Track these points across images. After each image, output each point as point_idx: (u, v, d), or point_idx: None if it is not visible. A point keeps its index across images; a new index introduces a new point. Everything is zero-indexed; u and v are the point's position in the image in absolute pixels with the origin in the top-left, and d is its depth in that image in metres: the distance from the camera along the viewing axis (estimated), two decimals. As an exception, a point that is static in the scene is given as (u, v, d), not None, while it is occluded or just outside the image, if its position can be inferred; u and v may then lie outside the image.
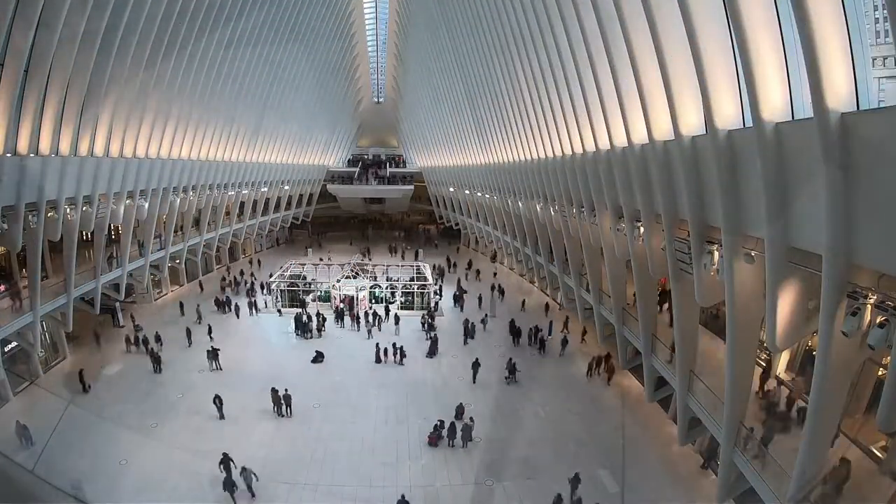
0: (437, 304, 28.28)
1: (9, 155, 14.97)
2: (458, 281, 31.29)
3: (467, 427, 15.45)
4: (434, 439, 15.47)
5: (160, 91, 20.91)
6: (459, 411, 16.54)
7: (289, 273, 30.83)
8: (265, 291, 29.66)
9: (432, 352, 21.81)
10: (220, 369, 20.06)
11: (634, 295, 16.51)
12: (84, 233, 21.11)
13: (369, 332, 24.16)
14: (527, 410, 17.43)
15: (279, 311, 27.42)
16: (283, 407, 16.90)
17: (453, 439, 15.52)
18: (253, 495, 13.11)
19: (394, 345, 21.47)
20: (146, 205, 23.64)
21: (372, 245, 45.69)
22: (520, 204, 27.28)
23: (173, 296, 29.86)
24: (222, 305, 27.10)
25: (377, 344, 21.63)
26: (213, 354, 20.11)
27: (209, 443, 15.27)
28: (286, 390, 16.99)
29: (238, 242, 39.42)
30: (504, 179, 28.64)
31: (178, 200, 26.69)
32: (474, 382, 19.07)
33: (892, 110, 6.01)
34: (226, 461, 13.31)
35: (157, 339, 21.86)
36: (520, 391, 18.95)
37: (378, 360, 21.21)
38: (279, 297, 28.19)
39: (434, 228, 51.88)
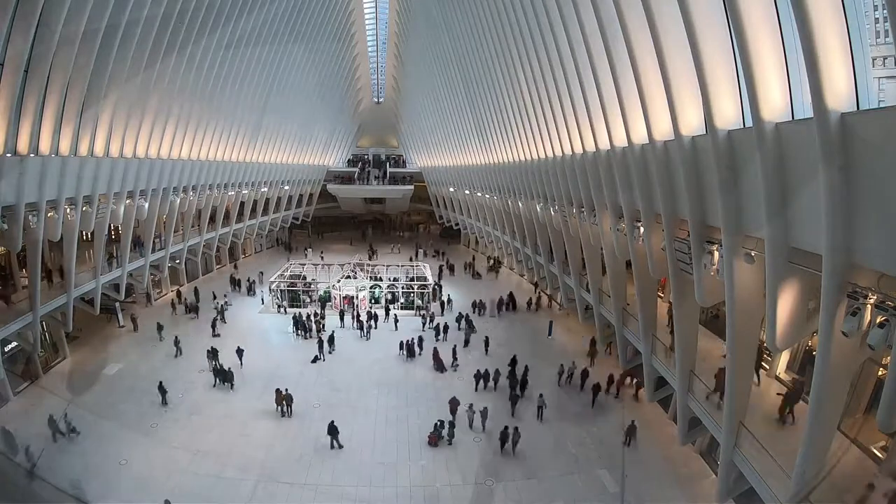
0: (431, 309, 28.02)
1: (9, 155, 14.97)
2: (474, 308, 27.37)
3: (485, 410, 16.11)
4: (434, 439, 15.48)
5: (160, 91, 20.90)
6: (453, 406, 16.43)
7: (289, 273, 30.85)
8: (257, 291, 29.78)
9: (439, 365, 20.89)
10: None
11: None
12: (84, 233, 21.11)
13: (367, 333, 24.12)
14: (527, 411, 17.42)
15: (283, 308, 27.49)
16: (286, 408, 16.93)
17: (452, 438, 15.59)
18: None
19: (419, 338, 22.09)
20: (146, 205, 23.65)
21: (370, 245, 45.72)
22: (520, 204, 27.28)
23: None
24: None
25: (401, 341, 22.00)
26: (213, 355, 20.06)
27: (209, 443, 15.30)
28: (286, 390, 17.01)
29: (238, 242, 39.42)
30: (504, 179, 28.64)
31: (178, 200, 26.70)
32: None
33: (892, 110, 6.02)
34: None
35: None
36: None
37: (411, 355, 21.57)
38: (279, 296, 28.23)
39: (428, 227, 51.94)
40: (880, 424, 6.78)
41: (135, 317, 24.50)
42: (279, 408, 16.90)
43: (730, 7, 7.49)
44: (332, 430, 15.16)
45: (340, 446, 15.19)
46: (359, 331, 24.45)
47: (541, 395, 17.32)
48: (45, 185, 16.75)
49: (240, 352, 20.31)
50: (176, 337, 21.88)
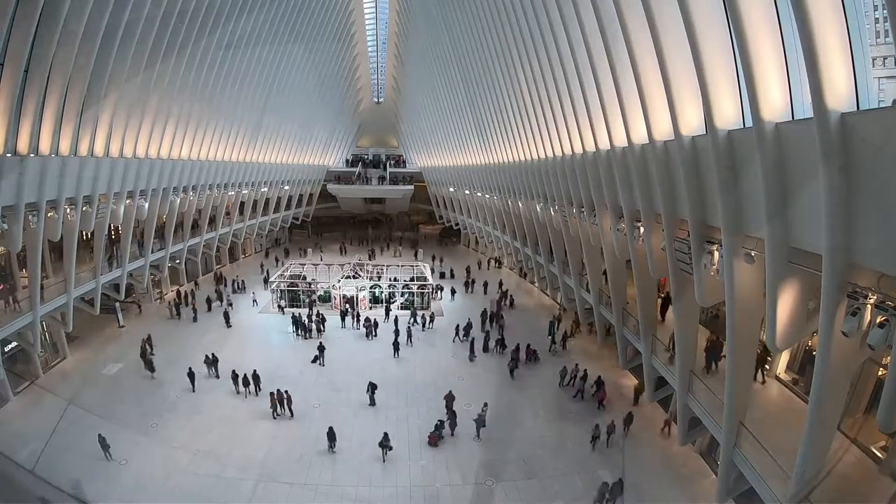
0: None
1: (9, 155, 14.97)
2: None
3: (481, 417, 15.88)
4: (434, 439, 15.49)
5: (160, 91, 20.90)
6: (449, 402, 16.35)
7: (289, 273, 30.87)
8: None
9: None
10: (218, 377, 19.43)
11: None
12: (84, 233, 21.09)
13: (368, 333, 24.15)
14: (526, 411, 17.43)
15: (281, 308, 27.53)
16: (285, 408, 16.83)
17: (455, 427, 15.81)
18: None
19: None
20: (146, 205, 23.65)
21: (371, 246, 45.75)
22: (520, 204, 27.28)
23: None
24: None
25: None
26: (212, 361, 19.53)
27: (209, 443, 15.30)
28: (286, 391, 16.97)
29: (238, 242, 39.42)
30: (504, 179, 28.65)
31: (178, 200, 26.70)
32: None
33: (892, 110, 6.01)
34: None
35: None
36: (519, 391, 18.95)
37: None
38: (280, 296, 28.24)
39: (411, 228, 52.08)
40: (880, 424, 6.78)
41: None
42: (273, 410, 16.75)
43: (730, 7, 7.49)
44: (331, 436, 15.06)
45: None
46: (359, 330, 24.47)
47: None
48: (45, 185, 16.74)
49: None
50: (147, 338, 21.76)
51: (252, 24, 24.75)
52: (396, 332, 22.63)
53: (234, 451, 14.97)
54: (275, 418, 16.72)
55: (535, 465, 14.60)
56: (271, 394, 16.90)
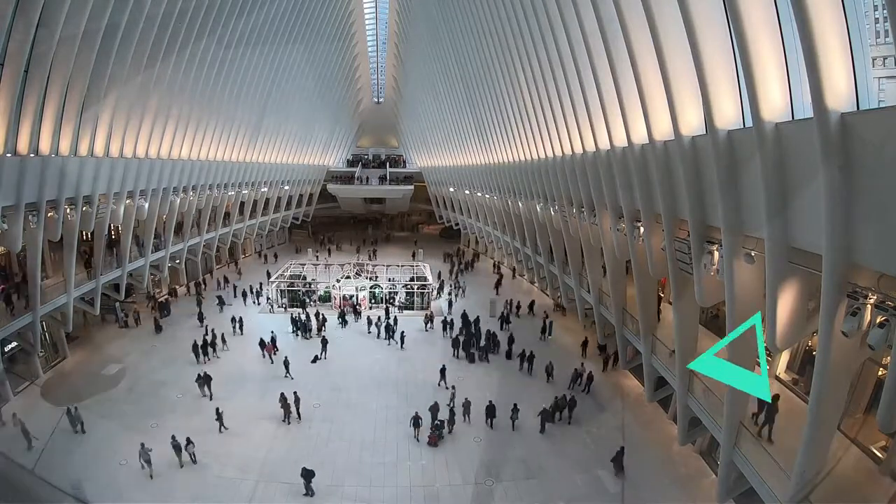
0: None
1: (9, 155, 14.97)
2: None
3: (468, 402, 16.42)
4: (434, 439, 15.49)
5: (160, 91, 20.90)
6: (434, 413, 16.12)
7: (289, 273, 30.88)
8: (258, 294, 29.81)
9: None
10: (211, 398, 17.89)
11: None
12: (84, 233, 21.10)
13: (367, 332, 24.18)
14: (527, 411, 17.40)
15: (272, 308, 27.57)
16: (294, 411, 16.66)
17: (453, 426, 16.09)
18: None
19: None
20: (146, 205, 23.65)
21: (370, 246, 45.71)
22: (520, 204, 27.29)
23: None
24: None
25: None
26: (205, 380, 18.02)
27: (208, 443, 15.28)
28: (294, 393, 16.85)
29: (238, 242, 39.43)
30: (504, 179, 28.65)
31: (178, 200, 26.70)
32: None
33: (892, 110, 6.02)
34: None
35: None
36: (519, 392, 18.92)
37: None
38: (279, 297, 28.25)
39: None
40: (880, 425, 6.78)
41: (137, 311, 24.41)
42: (286, 416, 16.48)
43: (730, 7, 7.49)
44: (307, 475, 13.21)
45: (312, 493, 13.23)
46: (359, 329, 24.50)
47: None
48: (45, 185, 16.73)
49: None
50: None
51: (252, 24, 24.75)
52: (399, 333, 23.12)
53: (234, 451, 14.96)
54: (283, 421, 16.51)
55: (534, 465, 14.59)
56: (280, 399, 16.68)
